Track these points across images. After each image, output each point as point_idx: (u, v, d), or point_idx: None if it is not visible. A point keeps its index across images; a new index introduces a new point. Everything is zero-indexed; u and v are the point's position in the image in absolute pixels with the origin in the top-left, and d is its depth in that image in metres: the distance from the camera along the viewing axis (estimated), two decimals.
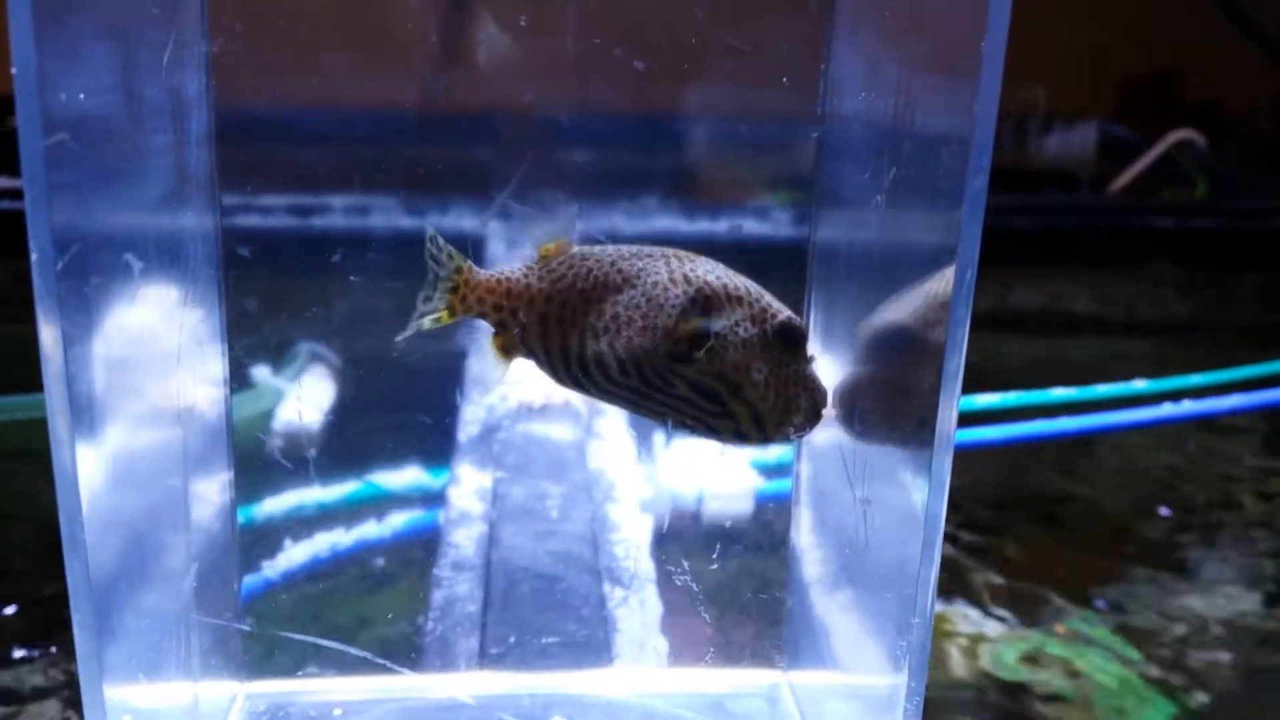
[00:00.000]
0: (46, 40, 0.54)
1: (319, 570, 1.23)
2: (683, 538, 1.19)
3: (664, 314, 0.68)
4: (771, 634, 0.98)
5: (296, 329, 1.17)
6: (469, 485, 1.33)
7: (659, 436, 1.41)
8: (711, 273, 0.70)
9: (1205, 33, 4.22)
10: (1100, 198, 3.36)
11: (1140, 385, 1.81)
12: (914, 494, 0.67)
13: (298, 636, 0.91)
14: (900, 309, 0.74)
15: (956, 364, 0.63)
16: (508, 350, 0.73)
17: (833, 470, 0.84)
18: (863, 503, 0.74)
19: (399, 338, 0.75)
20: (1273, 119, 4.46)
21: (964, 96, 0.58)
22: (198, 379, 0.85)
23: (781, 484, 1.40)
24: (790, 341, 0.69)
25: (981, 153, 0.57)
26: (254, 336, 1.00)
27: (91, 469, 0.63)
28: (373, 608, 1.28)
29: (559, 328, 0.71)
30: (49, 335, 0.58)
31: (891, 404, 0.74)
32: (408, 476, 1.39)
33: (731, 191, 0.99)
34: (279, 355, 1.28)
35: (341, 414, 1.10)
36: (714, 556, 0.98)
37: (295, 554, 1.24)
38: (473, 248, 0.75)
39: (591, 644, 0.98)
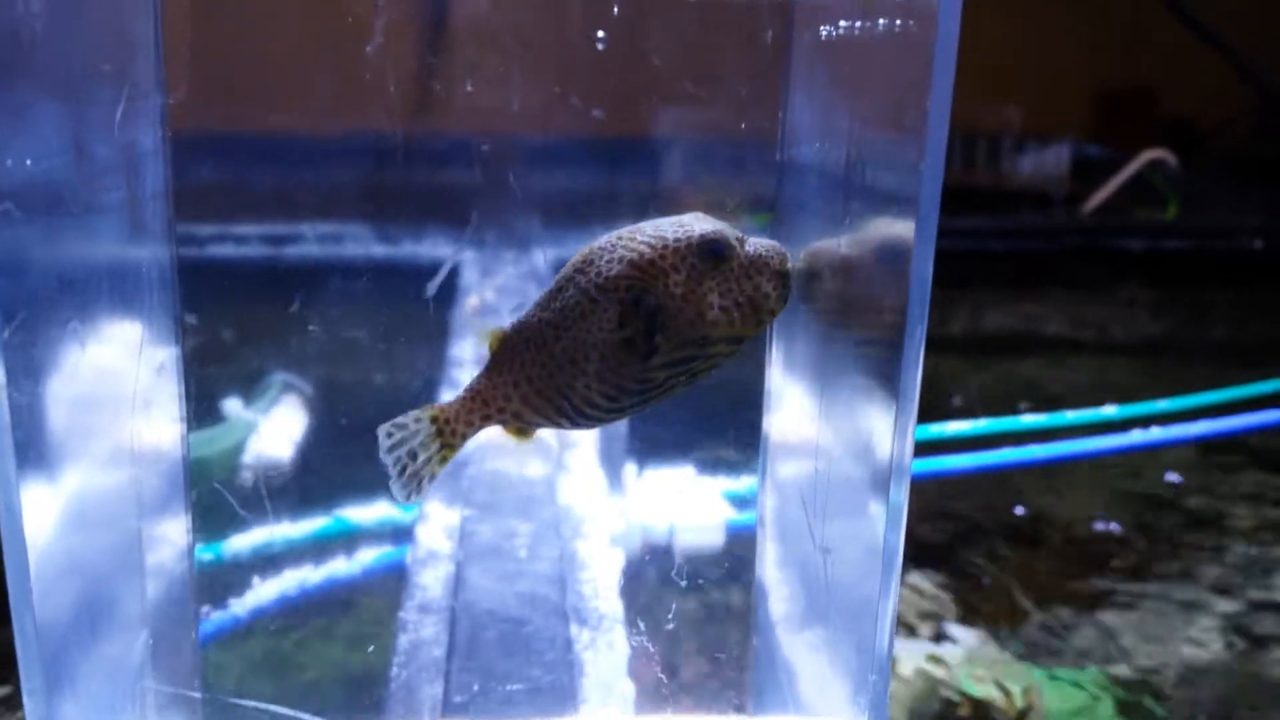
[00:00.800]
0: None
1: (284, 609, 1.23)
2: (652, 577, 1.19)
3: (607, 335, 0.68)
4: (737, 676, 0.98)
5: (265, 361, 1.17)
6: (437, 522, 1.32)
7: (630, 468, 1.42)
8: (613, 264, 0.67)
9: (1179, 49, 4.26)
10: (1073, 219, 3.39)
11: (1111, 411, 1.82)
12: (873, 528, 0.67)
13: (251, 703, 0.90)
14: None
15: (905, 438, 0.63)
16: (521, 433, 0.74)
17: (797, 502, 0.84)
18: (822, 550, 0.74)
19: (402, 499, 0.75)
20: (1246, 135, 4.50)
21: (909, 155, 0.58)
22: (154, 420, 0.85)
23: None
24: (718, 252, 0.66)
25: (928, 218, 0.57)
26: (221, 369, 1.00)
27: (40, 517, 0.63)
28: (336, 649, 1.28)
29: (542, 401, 0.71)
30: None
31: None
32: (377, 511, 1.39)
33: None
34: (249, 387, 1.27)
35: (313, 446, 1.09)
36: (671, 610, 0.97)
37: (262, 592, 1.24)
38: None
39: (557, 690, 0.97)
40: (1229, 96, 4.14)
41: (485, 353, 0.74)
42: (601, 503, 1.38)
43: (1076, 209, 3.52)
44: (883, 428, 0.66)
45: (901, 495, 0.63)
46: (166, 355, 0.86)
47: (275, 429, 1.42)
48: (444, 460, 0.74)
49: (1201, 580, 1.57)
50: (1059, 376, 2.48)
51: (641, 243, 0.67)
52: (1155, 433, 1.69)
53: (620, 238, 0.68)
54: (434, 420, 0.73)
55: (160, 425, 0.87)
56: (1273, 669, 1.34)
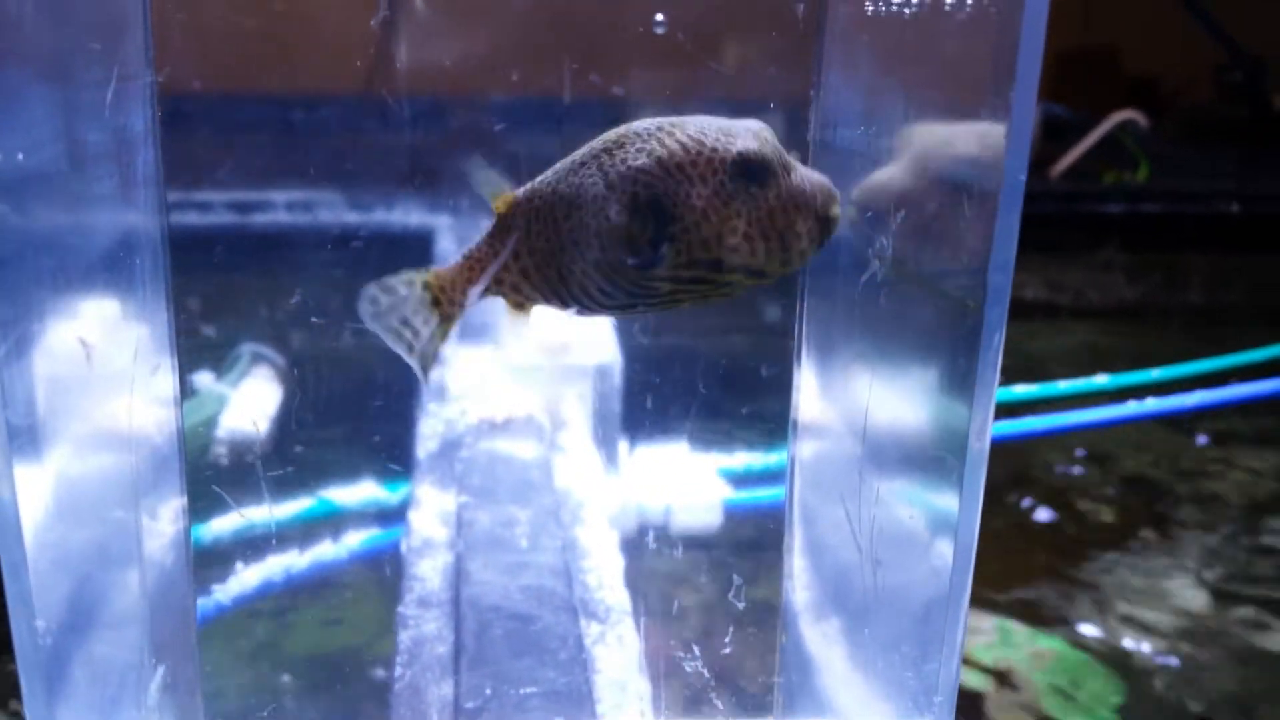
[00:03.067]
0: None
1: (271, 597, 1.18)
2: (659, 565, 1.15)
3: (611, 231, 0.62)
4: (762, 677, 0.94)
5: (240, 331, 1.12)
6: (431, 508, 1.28)
7: (624, 445, 1.38)
8: (643, 152, 0.61)
9: (1139, 5, 4.24)
10: (1045, 182, 3.36)
11: (1103, 380, 1.80)
12: (934, 543, 0.63)
13: None
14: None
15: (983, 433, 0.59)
16: (520, 306, 0.69)
17: (831, 485, 0.80)
18: (872, 561, 0.70)
19: (425, 380, 0.69)
20: (1210, 94, 4.50)
21: (989, 148, 0.54)
22: (146, 399, 0.79)
23: (755, 494, 1.37)
24: (755, 172, 0.60)
25: (1010, 210, 0.53)
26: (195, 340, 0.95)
27: (34, 505, 0.58)
28: (333, 640, 1.23)
29: (540, 275, 0.66)
30: None
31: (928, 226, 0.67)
32: (363, 492, 1.34)
33: None
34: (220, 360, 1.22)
35: (289, 421, 1.04)
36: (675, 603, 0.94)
37: (247, 578, 1.19)
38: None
39: (572, 693, 0.93)
40: (1191, 55, 4.14)
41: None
42: (599, 484, 1.34)
43: (1044, 172, 3.50)
44: (950, 419, 0.62)
45: (974, 509, 0.59)
46: (159, 334, 0.81)
47: (247, 401, 1.37)
48: (444, 334, 0.68)
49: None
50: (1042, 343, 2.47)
51: (677, 141, 0.60)
52: (1150, 403, 1.67)
53: (660, 127, 0.62)
54: (428, 287, 0.67)
55: (153, 407, 0.81)
56: None
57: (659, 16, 0.75)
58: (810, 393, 0.86)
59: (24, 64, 0.54)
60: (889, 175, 0.68)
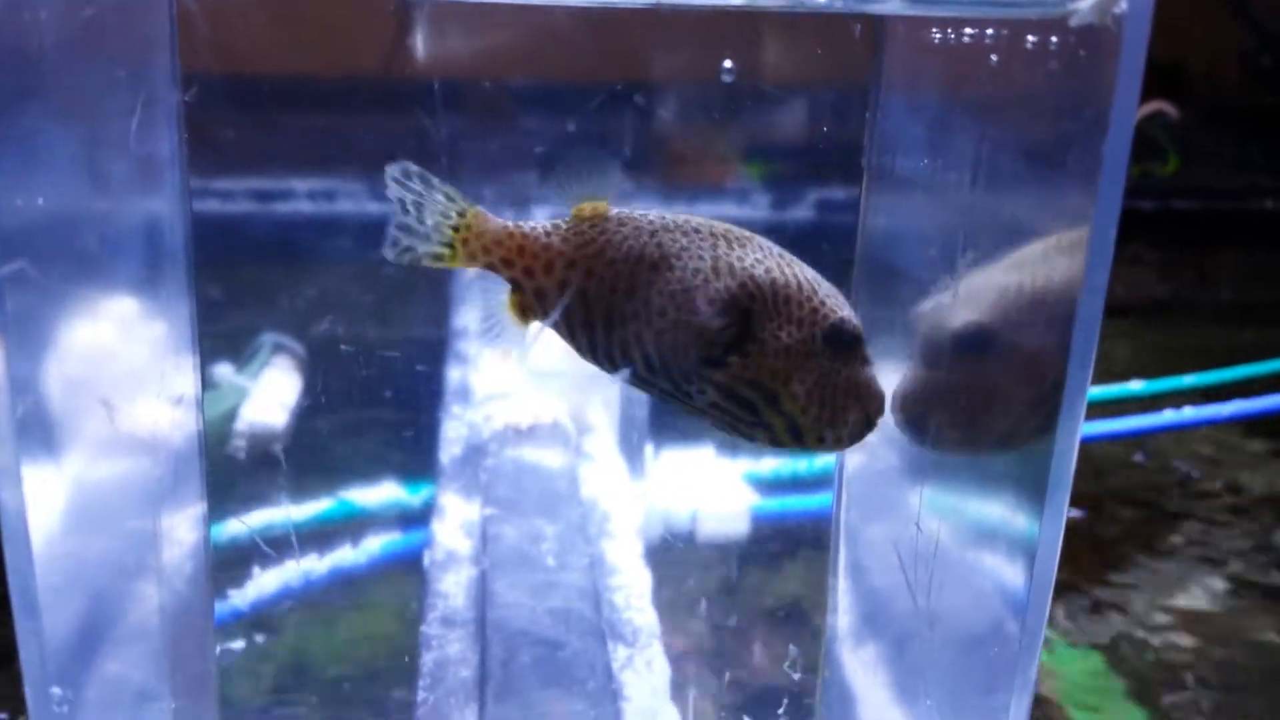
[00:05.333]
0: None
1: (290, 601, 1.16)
2: (686, 585, 1.13)
3: (700, 310, 0.60)
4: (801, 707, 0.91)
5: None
6: (454, 519, 1.25)
7: (649, 451, 1.35)
8: (762, 263, 0.61)
9: None
10: None
11: (1137, 386, 1.76)
12: (998, 608, 0.60)
13: None
14: (979, 303, 0.64)
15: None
16: (525, 313, 0.65)
17: (882, 502, 0.76)
18: (927, 618, 0.67)
19: (389, 256, 0.65)
20: (1237, 80, 4.42)
21: (1074, 198, 0.51)
22: (166, 400, 0.76)
23: (782, 501, 1.34)
24: (842, 345, 0.61)
25: (1098, 269, 0.50)
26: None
27: (44, 513, 0.55)
28: (354, 652, 1.21)
29: (581, 300, 0.63)
30: None
31: (969, 416, 0.66)
32: (384, 493, 1.32)
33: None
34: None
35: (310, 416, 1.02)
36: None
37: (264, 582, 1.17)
38: None
39: None
40: (1216, 39, 4.06)
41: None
42: (625, 494, 1.31)
43: None
44: (1022, 481, 0.59)
45: (1049, 574, 0.56)
46: (179, 330, 0.78)
47: (267, 394, 1.34)
48: (435, 258, 0.65)
49: None
50: None
51: (794, 275, 0.61)
52: (1188, 412, 1.63)
53: (783, 255, 0.62)
54: (462, 215, 0.64)
55: (176, 408, 0.78)
56: None
57: (728, 64, 0.71)
58: None
59: (47, 100, 0.51)
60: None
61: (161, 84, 0.66)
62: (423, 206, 0.64)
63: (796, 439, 0.62)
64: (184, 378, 0.80)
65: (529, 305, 0.64)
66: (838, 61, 0.74)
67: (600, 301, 0.62)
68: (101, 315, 0.68)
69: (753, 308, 0.60)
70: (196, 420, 0.84)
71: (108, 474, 0.71)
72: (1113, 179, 0.48)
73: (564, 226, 0.64)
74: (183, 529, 0.84)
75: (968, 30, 0.60)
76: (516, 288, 0.64)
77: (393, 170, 0.64)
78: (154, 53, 0.64)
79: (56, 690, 0.53)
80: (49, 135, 0.51)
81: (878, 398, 0.62)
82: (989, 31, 0.59)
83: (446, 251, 0.64)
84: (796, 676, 0.90)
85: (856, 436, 0.62)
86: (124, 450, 0.72)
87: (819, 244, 0.84)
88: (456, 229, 0.64)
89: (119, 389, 0.70)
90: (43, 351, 0.57)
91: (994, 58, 0.60)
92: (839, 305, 0.61)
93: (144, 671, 0.71)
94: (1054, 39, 0.53)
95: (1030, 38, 0.55)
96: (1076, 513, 1.71)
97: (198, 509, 0.87)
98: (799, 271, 0.61)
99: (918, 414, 0.68)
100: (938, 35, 0.64)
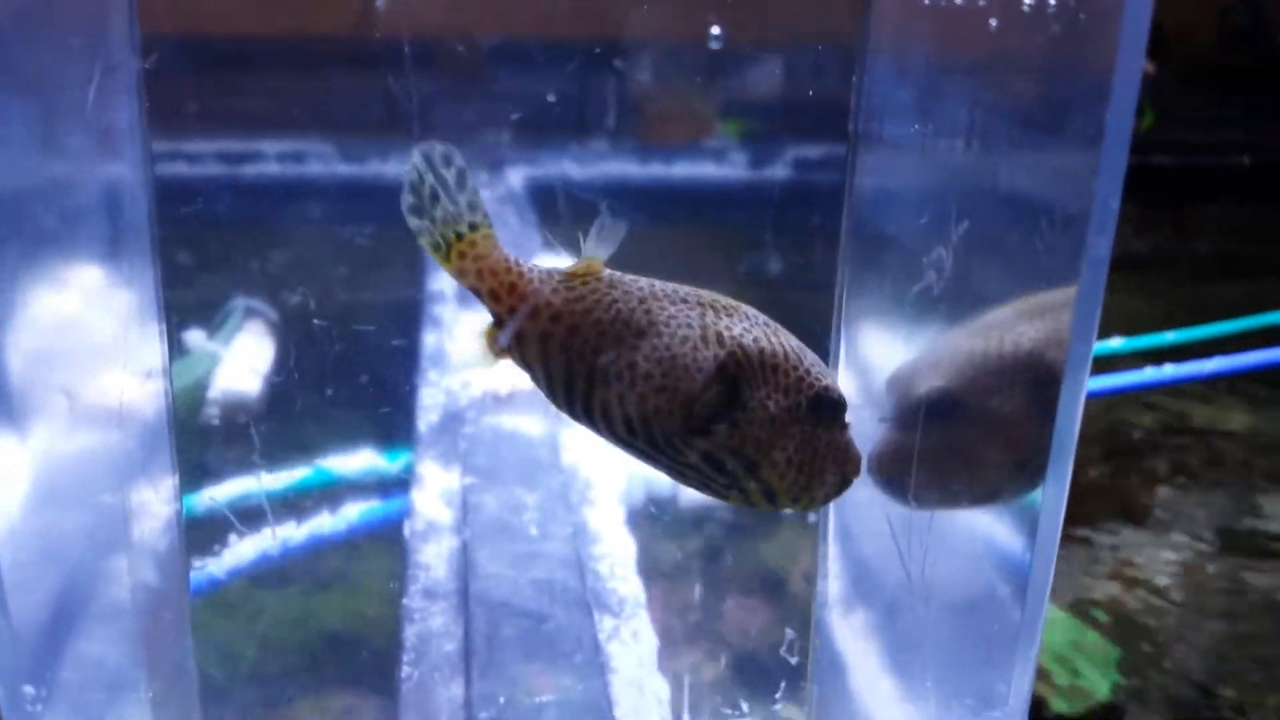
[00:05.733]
0: None
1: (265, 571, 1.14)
2: (670, 552, 1.12)
3: (687, 377, 0.59)
4: (792, 692, 0.91)
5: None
6: (434, 488, 1.24)
7: None
8: (749, 333, 0.60)
9: None
10: None
11: (1117, 344, 1.76)
12: (994, 573, 0.59)
13: None
14: (946, 369, 0.66)
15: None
16: (498, 351, 0.64)
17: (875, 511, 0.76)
18: (920, 597, 0.66)
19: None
20: (1211, 38, 4.41)
21: (1076, 167, 0.49)
22: (132, 370, 0.74)
23: None
24: (825, 414, 0.61)
25: (1100, 235, 0.48)
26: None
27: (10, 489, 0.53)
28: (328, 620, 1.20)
29: (563, 355, 0.60)
30: None
31: (944, 478, 0.66)
32: (360, 460, 1.30)
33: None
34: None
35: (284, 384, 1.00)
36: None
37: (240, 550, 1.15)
38: None
39: (589, 698, 0.90)
40: None
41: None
42: (605, 458, 1.30)
43: None
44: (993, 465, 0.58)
45: (1052, 543, 0.55)
46: (144, 299, 0.75)
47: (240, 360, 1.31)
48: (432, 249, 0.62)
49: None
50: None
51: (781, 344, 0.61)
52: (1169, 369, 1.63)
53: (768, 323, 0.62)
54: (473, 229, 0.62)
55: (140, 377, 0.76)
56: None
57: (715, 30, 0.69)
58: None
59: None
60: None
61: (120, 50, 0.63)
62: (439, 198, 0.62)
63: (770, 500, 0.62)
64: (151, 347, 0.78)
65: (504, 346, 0.63)
66: (824, 24, 0.73)
67: (583, 361, 0.60)
68: (64, 287, 0.66)
69: (740, 376, 0.59)
70: (165, 391, 0.82)
71: (75, 450, 0.68)
72: (1116, 145, 0.47)
73: (557, 278, 0.62)
74: (155, 503, 0.82)
75: None
76: (497, 321, 0.63)
77: (425, 148, 0.62)
78: (111, 18, 0.61)
79: (29, 689, 0.51)
80: (3, 109, 0.49)
81: (854, 460, 0.62)
82: None
83: (437, 253, 0.63)
84: (787, 645, 0.89)
85: (830, 497, 0.63)
86: (91, 425, 0.70)
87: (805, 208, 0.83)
88: (460, 237, 0.62)
89: (84, 362, 0.68)
90: (4, 327, 0.55)
91: (986, 20, 0.58)
92: (823, 374, 0.61)
93: (118, 657, 0.69)
94: (1051, 1, 0.51)
95: (1027, 2, 0.53)
96: None
97: (170, 482, 0.85)
98: (784, 340, 0.61)
99: (895, 475, 0.69)
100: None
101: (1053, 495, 0.55)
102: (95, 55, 0.59)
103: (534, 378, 0.63)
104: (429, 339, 1.32)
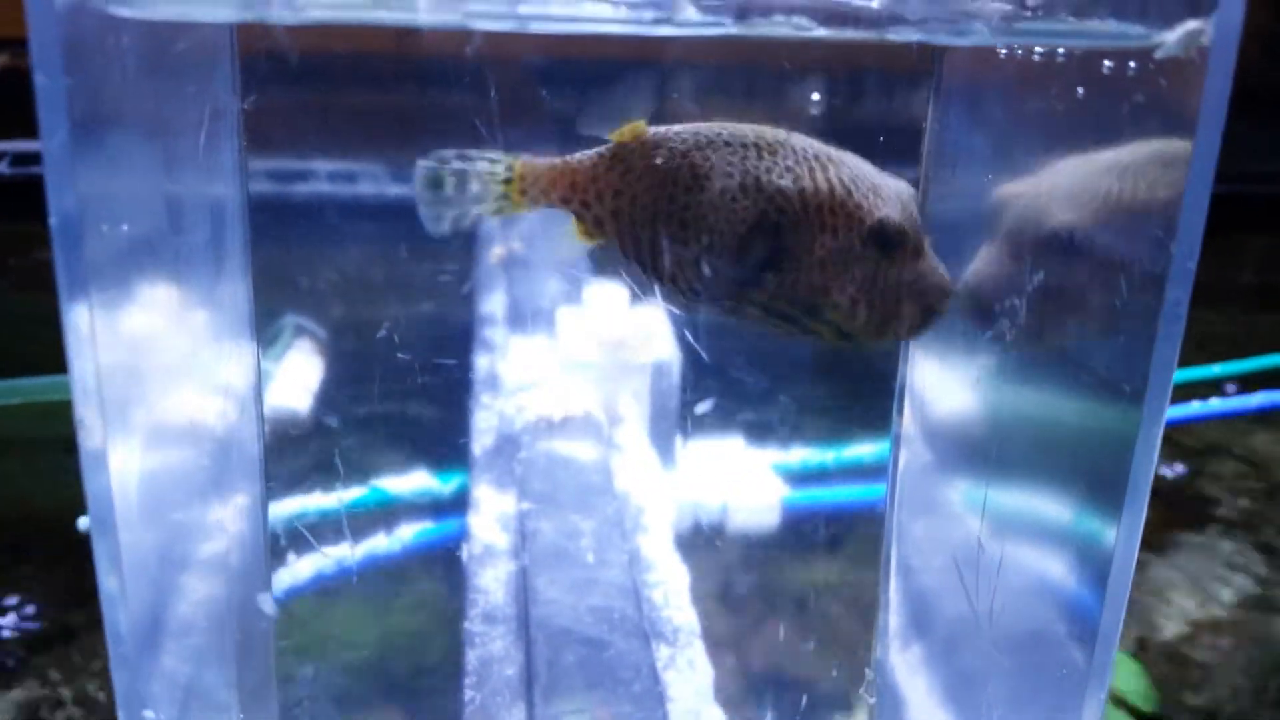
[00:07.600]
0: (84, 167, 0.45)
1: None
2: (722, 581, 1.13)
3: (726, 232, 0.59)
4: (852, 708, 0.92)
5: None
6: (490, 512, 1.25)
7: (679, 442, 1.35)
8: (791, 171, 0.59)
9: None
10: None
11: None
12: (1063, 618, 0.60)
13: None
14: (1080, 205, 0.61)
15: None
16: (589, 235, 0.65)
17: (936, 499, 0.76)
18: (986, 625, 0.67)
19: (430, 228, 0.65)
20: (1260, 61, 4.37)
21: (1150, 229, 0.50)
22: (228, 389, 0.77)
23: (812, 494, 1.34)
24: (887, 245, 0.58)
25: (1180, 283, 0.50)
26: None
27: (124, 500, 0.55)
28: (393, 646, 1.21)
29: (631, 226, 0.62)
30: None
31: (1041, 316, 0.63)
32: (415, 481, 1.32)
33: None
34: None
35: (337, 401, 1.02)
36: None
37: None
38: None
39: None
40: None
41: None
42: (658, 487, 1.31)
43: None
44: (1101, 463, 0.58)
45: (1124, 585, 0.56)
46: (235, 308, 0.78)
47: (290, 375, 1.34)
48: (498, 210, 0.65)
49: None
50: None
51: (827, 179, 0.58)
52: (1215, 404, 1.63)
53: (818, 155, 0.59)
54: (511, 168, 0.64)
55: (234, 397, 0.79)
56: None
57: (815, 96, 0.71)
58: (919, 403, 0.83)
59: (127, 123, 0.51)
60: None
61: (224, 94, 0.66)
62: (467, 178, 0.64)
63: (847, 339, 0.61)
64: (246, 366, 0.80)
65: (591, 230, 0.65)
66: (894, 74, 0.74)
67: (645, 226, 0.62)
68: (177, 317, 0.68)
69: (782, 223, 0.59)
70: (256, 409, 0.84)
71: (175, 466, 0.71)
72: (1195, 209, 0.48)
73: (607, 155, 0.63)
74: (244, 522, 0.84)
75: (1039, 50, 0.60)
76: (579, 216, 0.64)
77: (427, 163, 0.64)
78: (217, 64, 0.64)
79: (149, 714, 0.53)
80: (131, 155, 0.51)
81: (936, 289, 0.60)
82: (1060, 51, 0.59)
83: (505, 204, 0.65)
84: (845, 676, 0.90)
85: (918, 329, 0.61)
86: (191, 442, 0.72)
87: None
88: (509, 181, 0.64)
89: (189, 382, 0.70)
90: (125, 352, 0.57)
91: (1063, 75, 0.59)
92: (879, 204, 0.58)
93: (213, 678, 0.71)
94: (1132, 65, 0.52)
95: (1107, 63, 0.54)
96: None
97: (258, 500, 0.87)
98: (834, 173, 0.59)
99: (986, 303, 0.65)
100: (1003, 50, 0.64)
101: (1126, 538, 0.56)
102: (205, 98, 0.62)
103: (623, 251, 0.64)
104: (481, 362, 1.35)
